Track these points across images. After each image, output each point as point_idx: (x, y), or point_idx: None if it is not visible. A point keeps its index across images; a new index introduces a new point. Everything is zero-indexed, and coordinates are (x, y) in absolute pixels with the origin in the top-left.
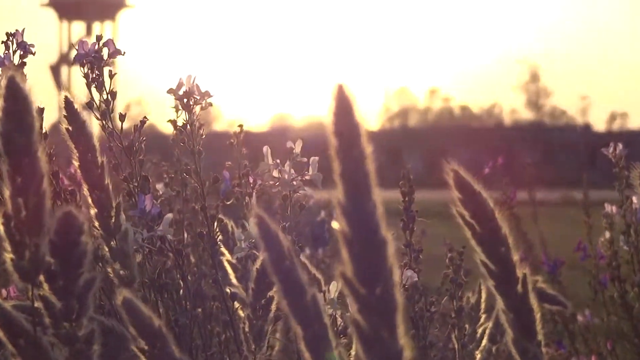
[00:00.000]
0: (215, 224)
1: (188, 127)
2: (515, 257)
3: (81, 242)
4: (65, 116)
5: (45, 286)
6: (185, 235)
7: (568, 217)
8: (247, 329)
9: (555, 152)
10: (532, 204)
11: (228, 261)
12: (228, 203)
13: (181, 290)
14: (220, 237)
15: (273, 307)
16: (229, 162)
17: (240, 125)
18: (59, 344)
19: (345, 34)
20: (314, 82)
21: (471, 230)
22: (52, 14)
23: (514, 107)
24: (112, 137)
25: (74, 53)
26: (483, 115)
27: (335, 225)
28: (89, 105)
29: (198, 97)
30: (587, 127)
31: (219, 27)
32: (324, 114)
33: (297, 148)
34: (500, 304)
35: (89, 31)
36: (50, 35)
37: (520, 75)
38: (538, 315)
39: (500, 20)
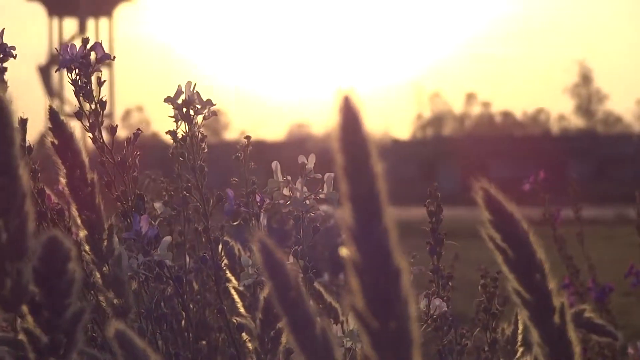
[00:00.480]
0: (220, 247)
1: (188, 139)
2: (552, 284)
3: (68, 270)
4: (50, 128)
5: (29, 318)
6: (187, 259)
7: (622, 237)
8: None
9: (608, 165)
10: (579, 223)
11: (235, 288)
12: (234, 224)
13: (183, 321)
14: (225, 261)
15: (283, 339)
16: (235, 179)
17: (248, 137)
18: None
19: (370, 34)
20: (336, 88)
21: (503, 255)
22: (40, 9)
23: (562, 113)
24: (102, 152)
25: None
26: (527, 122)
27: (344, 252)
28: (78, 115)
29: (199, 107)
30: None
31: (230, 22)
32: (330, 127)
33: (310, 163)
34: (535, 336)
35: (82, 29)
36: (39, 33)
37: (569, 78)
38: (577, 349)
39: (546, 17)
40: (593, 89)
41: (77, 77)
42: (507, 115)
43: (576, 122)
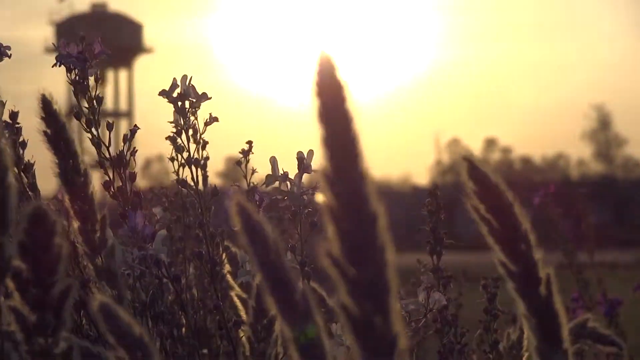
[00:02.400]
0: (221, 249)
1: (183, 134)
2: (538, 255)
3: (55, 244)
4: (42, 118)
5: (16, 295)
6: (189, 267)
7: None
8: (247, 353)
9: (628, 209)
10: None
11: (238, 296)
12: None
13: (183, 329)
14: (228, 268)
15: (276, 328)
16: (237, 184)
17: (249, 142)
18: None
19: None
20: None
21: (487, 226)
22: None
23: (581, 158)
24: (99, 149)
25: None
26: (546, 168)
27: (320, 198)
28: (77, 115)
29: (194, 100)
30: None
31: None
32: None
33: (309, 157)
34: (521, 308)
35: (101, 80)
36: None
37: (588, 123)
38: (564, 321)
39: (566, 61)
40: (611, 133)
41: (76, 76)
42: (526, 161)
43: (595, 167)
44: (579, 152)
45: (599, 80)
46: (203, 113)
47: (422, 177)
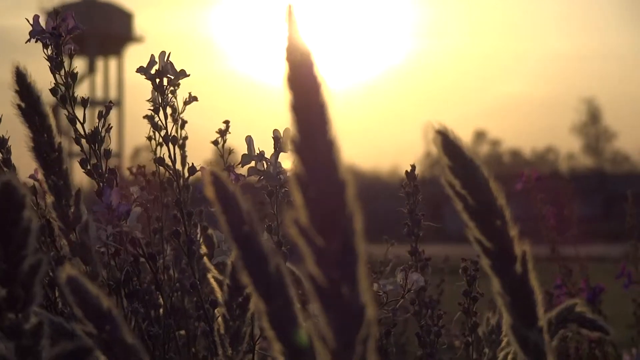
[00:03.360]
0: (198, 231)
1: (161, 111)
2: (513, 232)
3: (24, 217)
4: (17, 91)
5: None
6: (166, 247)
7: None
8: (222, 331)
9: (617, 203)
10: (578, 257)
11: (214, 278)
12: (213, 209)
13: (160, 309)
14: (204, 249)
15: (251, 306)
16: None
17: (226, 121)
18: (2, 337)
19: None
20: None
21: (462, 202)
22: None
23: (571, 151)
24: (74, 125)
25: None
26: (536, 161)
27: (286, 165)
28: (54, 92)
29: (172, 77)
30: None
31: (239, 59)
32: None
33: (285, 136)
34: (496, 285)
35: (91, 68)
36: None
37: (578, 116)
38: (539, 298)
39: (555, 55)
40: (601, 127)
41: (52, 51)
42: (515, 154)
43: (584, 161)
44: (568, 145)
45: (589, 73)
46: (184, 92)
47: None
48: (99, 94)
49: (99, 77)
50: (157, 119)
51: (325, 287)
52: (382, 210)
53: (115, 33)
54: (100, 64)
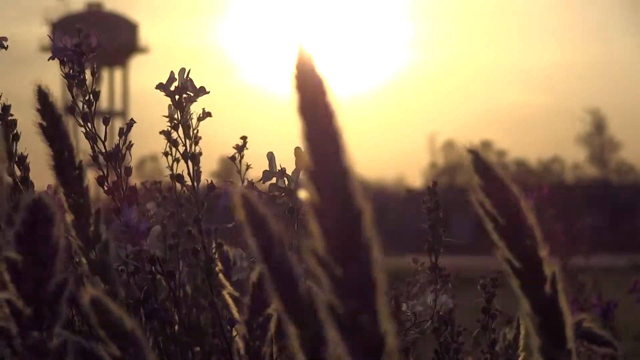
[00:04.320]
0: (214, 247)
1: (180, 128)
2: (544, 253)
3: (52, 235)
4: (38, 110)
5: (11, 287)
6: (181, 264)
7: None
8: (242, 352)
9: (623, 214)
10: (588, 269)
11: (230, 294)
12: (229, 225)
13: (176, 326)
14: (220, 266)
15: (272, 326)
16: (231, 180)
17: (244, 137)
18: (26, 356)
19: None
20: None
21: (493, 221)
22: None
23: (576, 162)
24: (95, 143)
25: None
26: (541, 171)
27: (302, 195)
28: (71, 109)
29: (192, 94)
30: None
31: (242, 70)
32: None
33: (297, 155)
34: (525, 306)
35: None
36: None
37: (583, 126)
38: (569, 320)
39: (559, 65)
40: (606, 138)
41: (70, 69)
42: (521, 164)
43: (590, 171)
44: (573, 155)
45: (594, 83)
46: (196, 108)
47: (416, 179)
48: (104, 104)
49: (104, 88)
50: (174, 134)
51: (343, 317)
52: (390, 220)
53: (120, 43)
54: (105, 74)
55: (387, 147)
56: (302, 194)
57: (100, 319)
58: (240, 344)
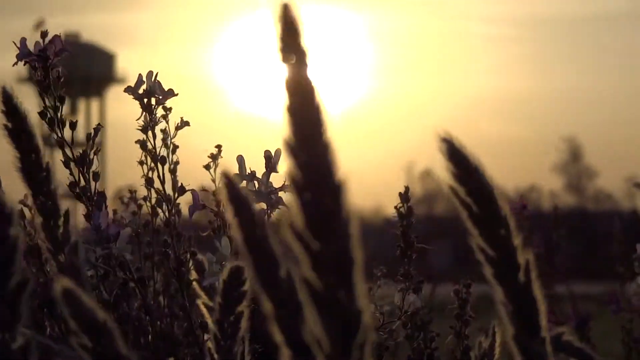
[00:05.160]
0: (188, 255)
1: (149, 131)
2: (517, 241)
3: (10, 234)
4: (3, 111)
5: None
6: (156, 274)
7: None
8: (213, 350)
9: (600, 241)
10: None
11: (204, 304)
12: (204, 234)
13: (149, 335)
14: (194, 275)
15: (243, 324)
16: (205, 188)
17: (218, 146)
18: None
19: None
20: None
21: (467, 210)
22: (30, 90)
23: (553, 190)
24: (62, 148)
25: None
26: (519, 199)
27: (282, 169)
28: (41, 115)
29: (160, 97)
30: (634, 213)
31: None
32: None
33: (276, 156)
34: (499, 295)
35: (73, 109)
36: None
37: (559, 155)
38: (543, 308)
39: (535, 93)
40: (582, 166)
41: (37, 73)
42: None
43: (567, 199)
44: (550, 184)
45: (570, 112)
46: (175, 118)
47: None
48: (81, 135)
49: (81, 118)
50: (147, 141)
51: (321, 292)
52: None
53: (97, 74)
54: (82, 105)
55: (364, 177)
56: (277, 196)
57: (71, 310)
58: (211, 344)
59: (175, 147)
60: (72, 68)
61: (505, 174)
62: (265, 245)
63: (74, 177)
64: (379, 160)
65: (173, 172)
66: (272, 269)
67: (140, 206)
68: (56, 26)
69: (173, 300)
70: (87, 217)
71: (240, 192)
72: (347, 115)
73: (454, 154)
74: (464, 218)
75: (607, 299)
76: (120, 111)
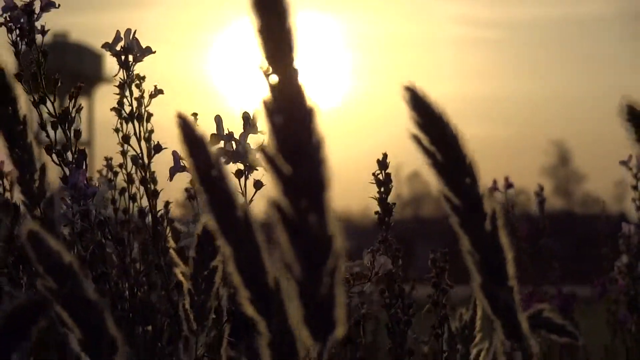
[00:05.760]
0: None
1: (126, 87)
2: (483, 190)
3: None
4: None
5: None
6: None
7: (600, 313)
8: (187, 306)
9: (587, 244)
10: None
11: (182, 273)
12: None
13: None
14: (172, 244)
15: (217, 279)
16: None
17: (194, 114)
18: None
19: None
20: None
21: (431, 159)
22: (18, 88)
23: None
24: (44, 104)
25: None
26: (504, 178)
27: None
28: (18, 76)
29: (138, 54)
30: (623, 217)
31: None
32: None
33: (255, 117)
34: (465, 244)
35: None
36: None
37: (547, 159)
38: (510, 256)
39: (524, 96)
40: (570, 170)
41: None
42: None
43: (555, 202)
44: (537, 189)
45: (558, 116)
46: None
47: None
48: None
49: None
50: (124, 98)
51: (291, 217)
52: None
53: (85, 73)
54: (70, 104)
55: (352, 178)
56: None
57: (37, 252)
58: (185, 299)
59: (150, 115)
60: (60, 67)
61: (494, 177)
62: (222, 186)
63: (50, 139)
64: (368, 161)
65: (147, 140)
66: (229, 209)
67: (116, 174)
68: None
69: (150, 268)
70: (64, 180)
71: (195, 131)
72: (334, 116)
73: (418, 102)
74: (429, 167)
75: (595, 283)
76: (109, 111)
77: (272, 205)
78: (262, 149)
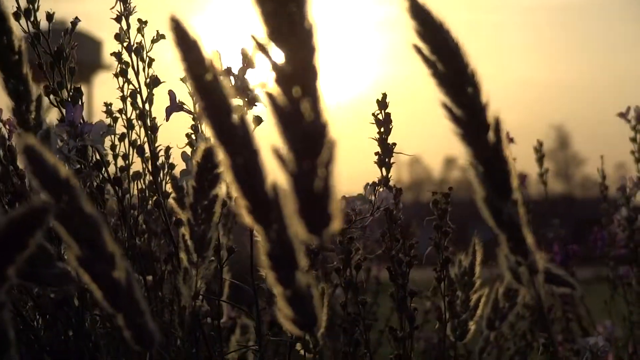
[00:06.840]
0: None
1: (123, 20)
2: (486, 100)
3: None
4: None
5: None
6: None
7: (598, 294)
8: (187, 237)
9: (587, 227)
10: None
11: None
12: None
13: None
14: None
15: (217, 208)
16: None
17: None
18: None
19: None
20: None
21: (432, 68)
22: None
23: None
24: (38, 41)
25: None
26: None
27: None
28: (16, 15)
29: None
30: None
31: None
32: None
33: (253, 53)
34: (467, 155)
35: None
36: None
37: (547, 142)
38: (513, 167)
39: (523, 82)
40: (570, 153)
41: None
42: None
43: (554, 186)
44: (538, 170)
45: (558, 100)
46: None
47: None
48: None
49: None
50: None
51: (285, 106)
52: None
53: (84, 60)
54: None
55: (354, 162)
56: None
57: (33, 166)
58: (185, 231)
59: (152, 60)
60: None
61: None
62: (217, 89)
63: (48, 79)
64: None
65: (149, 85)
66: (225, 114)
67: (115, 119)
68: (43, 13)
69: (150, 217)
70: (61, 119)
71: (189, 34)
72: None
73: (418, 11)
74: (430, 76)
75: (592, 237)
76: (107, 97)
77: (267, 96)
78: (252, 37)
